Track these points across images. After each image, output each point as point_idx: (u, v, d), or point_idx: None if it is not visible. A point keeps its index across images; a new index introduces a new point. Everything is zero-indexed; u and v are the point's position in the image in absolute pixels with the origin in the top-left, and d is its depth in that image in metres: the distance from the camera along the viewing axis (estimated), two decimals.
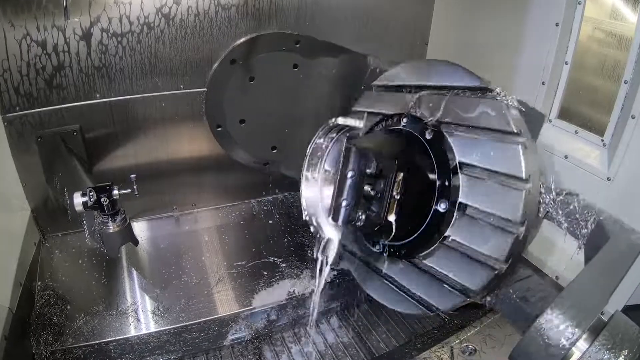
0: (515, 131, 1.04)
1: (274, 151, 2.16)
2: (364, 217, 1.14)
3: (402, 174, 1.16)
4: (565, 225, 1.11)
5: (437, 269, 1.20)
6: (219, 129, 2.00)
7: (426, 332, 1.91)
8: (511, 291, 1.11)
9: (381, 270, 1.35)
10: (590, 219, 1.07)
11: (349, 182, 1.10)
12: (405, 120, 1.30)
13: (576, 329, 0.80)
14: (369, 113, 1.43)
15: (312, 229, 1.34)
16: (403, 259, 1.30)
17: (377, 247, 1.35)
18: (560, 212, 1.10)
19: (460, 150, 1.14)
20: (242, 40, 1.84)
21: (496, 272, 1.07)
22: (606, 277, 0.91)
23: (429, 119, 1.20)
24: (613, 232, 1.00)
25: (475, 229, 1.11)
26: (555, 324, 0.81)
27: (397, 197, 1.17)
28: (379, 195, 1.15)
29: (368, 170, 1.11)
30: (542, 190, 1.12)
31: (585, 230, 1.07)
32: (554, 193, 1.11)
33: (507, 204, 1.05)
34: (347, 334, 1.95)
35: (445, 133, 1.17)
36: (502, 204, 1.06)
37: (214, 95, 1.90)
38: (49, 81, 1.65)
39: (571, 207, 1.09)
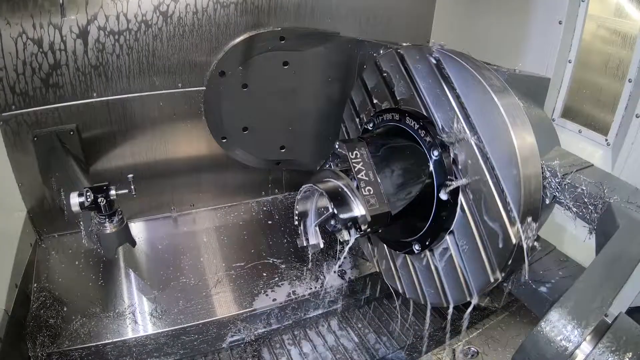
0: (499, 270, 1.05)
1: (283, 150, 2.15)
2: (346, 237, 1.22)
3: None
4: (575, 210, 1.08)
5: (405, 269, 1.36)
6: (224, 140, 2.01)
7: (428, 335, 1.89)
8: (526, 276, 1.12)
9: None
10: (599, 202, 1.03)
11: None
12: (436, 153, 1.15)
13: (580, 331, 0.78)
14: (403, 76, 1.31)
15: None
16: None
17: None
18: (568, 197, 1.08)
19: (460, 224, 1.12)
20: (227, 48, 1.81)
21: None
22: (610, 278, 0.89)
23: (454, 181, 1.11)
24: (622, 222, 0.97)
25: (430, 277, 1.22)
26: (559, 326, 0.80)
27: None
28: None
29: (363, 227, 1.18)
30: (548, 174, 1.10)
31: (595, 215, 1.04)
32: (559, 176, 1.08)
33: (459, 290, 1.17)
34: (347, 336, 1.93)
35: (461, 198, 1.11)
36: (453, 287, 1.18)
37: (213, 95, 1.88)
38: (45, 80, 1.63)
39: (578, 190, 1.06)
